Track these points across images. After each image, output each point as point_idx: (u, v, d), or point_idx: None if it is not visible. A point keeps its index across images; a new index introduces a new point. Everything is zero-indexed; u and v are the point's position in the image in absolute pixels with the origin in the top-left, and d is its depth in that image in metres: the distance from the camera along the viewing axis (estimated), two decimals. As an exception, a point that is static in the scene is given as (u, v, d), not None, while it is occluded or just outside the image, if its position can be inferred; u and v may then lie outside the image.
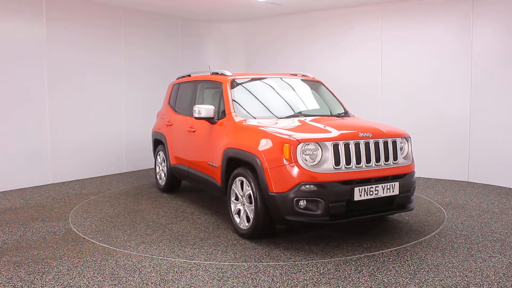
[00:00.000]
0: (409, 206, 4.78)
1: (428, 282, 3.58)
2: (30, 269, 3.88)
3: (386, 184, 4.45)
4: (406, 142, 4.84)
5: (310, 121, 5.08)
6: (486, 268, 3.86)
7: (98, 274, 3.77)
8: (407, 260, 4.05)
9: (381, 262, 4.01)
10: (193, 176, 6.03)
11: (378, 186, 4.40)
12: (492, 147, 7.38)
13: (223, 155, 5.04)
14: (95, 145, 8.38)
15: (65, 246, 4.49)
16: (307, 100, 5.92)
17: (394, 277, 3.68)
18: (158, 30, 9.52)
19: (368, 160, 4.45)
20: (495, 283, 3.54)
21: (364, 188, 4.32)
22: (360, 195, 4.30)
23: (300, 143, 4.25)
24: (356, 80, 8.75)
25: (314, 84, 6.10)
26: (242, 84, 5.70)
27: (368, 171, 4.41)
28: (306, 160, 4.24)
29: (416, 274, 3.74)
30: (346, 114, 5.74)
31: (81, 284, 3.57)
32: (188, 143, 6.14)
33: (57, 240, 4.69)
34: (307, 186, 4.18)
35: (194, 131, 5.91)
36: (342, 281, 3.61)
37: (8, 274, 3.78)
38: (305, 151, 4.25)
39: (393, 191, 4.49)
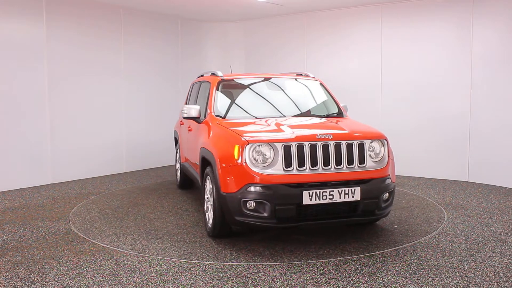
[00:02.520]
0: (379, 213, 4.44)
1: (428, 282, 3.58)
2: (30, 269, 3.88)
3: (344, 189, 4.17)
4: (382, 145, 4.53)
5: (284, 121, 4.94)
6: (486, 268, 3.86)
7: (98, 274, 3.77)
8: (407, 260, 4.05)
9: (381, 262, 4.01)
10: (190, 174, 6.23)
11: (333, 191, 4.14)
12: (492, 147, 7.38)
13: (199, 154, 5.14)
14: (95, 145, 8.38)
15: (65, 246, 4.49)
16: (298, 100, 5.75)
17: (394, 277, 3.68)
18: (158, 30, 9.52)
19: (327, 163, 4.25)
20: (495, 283, 3.54)
21: (316, 192, 4.10)
22: (311, 199, 4.09)
23: (248, 143, 4.19)
24: (356, 79, 8.75)
25: (311, 84, 5.98)
26: (230, 85, 5.77)
27: (322, 174, 4.20)
28: (255, 161, 4.17)
29: (416, 274, 3.74)
30: (339, 114, 5.54)
31: (81, 284, 3.56)
32: (187, 142, 6.26)
33: (57, 240, 4.69)
34: (254, 188, 4.10)
35: (190, 130, 6.01)
36: (342, 281, 3.61)
37: (8, 274, 3.78)
38: (254, 152, 4.18)
39: (352, 197, 4.20)
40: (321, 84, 6.01)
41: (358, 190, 4.22)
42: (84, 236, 4.82)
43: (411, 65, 8.18)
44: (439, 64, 7.90)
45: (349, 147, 4.33)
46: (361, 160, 4.35)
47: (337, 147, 4.29)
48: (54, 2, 7.67)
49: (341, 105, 5.77)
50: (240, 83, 5.88)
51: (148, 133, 9.37)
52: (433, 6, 7.90)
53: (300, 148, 4.20)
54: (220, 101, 5.47)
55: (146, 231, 5.00)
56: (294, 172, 4.15)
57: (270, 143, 4.19)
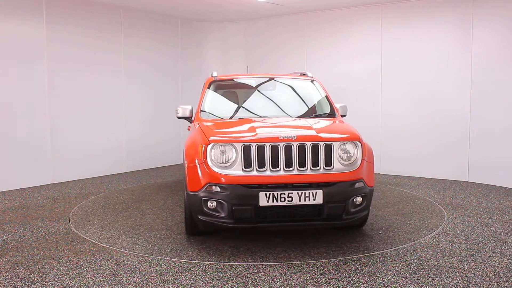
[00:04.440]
0: (347, 218, 4.26)
1: (428, 282, 3.58)
2: (30, 269, 3.88)
3: (304, 192, 4.07)
4: (355, 147, 4.35)
5: (260, 122, 4.93)
6: (486, 268, 3.86)
7: (98, 274, 3.76)
8: (407, 260, 4.05)
9: (381, 262, 4.01)
10: None
11: (292, 193, 4.05)
12: (492, 147, 7.38)
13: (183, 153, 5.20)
14: (95, 145, 8.38)
15: (65, 246, 4.49)
16: (287, 100, 5.72)
17: (394, 277, 3.68)
18: (158, 30, 9.52)
19: (289, 165, 4.18)
20: (495, 283, 3.54)
21: (273, 194, 4.04)
22: (268, 201, 4.03)
23: (210, 143, 4.22)
24: (356, 80, 8.75)
25: (305, 84, 5.90)
26: (222, 86, 5.82)
27: (282, 176, 4.12)
28: (218, 161, 4.18)
29: (416, 274, 3.74)
30: (331, 115, 5.41)
31: (81, 284, 3.56)
32: None
33: (57, 240, 4.69)
34: (213, 187, 4.12)
35: (188, 130, 6.07)
36: (342, 281, 3.61)
37: (8, 274, 3.78)
38: (215, 152, 4.20)
39: (314, 200, 4.08)
40: (316, 83, 5.90)
41: (320, 193, 4.09)
42: (84, 236, 4.82)
43: (411, 65, 8.18)
44: (439, 64, 7.90)
45: (315, 148, 4.22)
46: (328, 162, 4.22)
47: (301, 149, 4.19)
48: (54, 2, 7.68)
49: (339, 105, 5.66)
50: (232, 84, 5.92)
51: (148, 133, 9.37)
52: (433, 7, 7.90)
53: (261, 149, 4.15)
54: (209, 101, 5.55)
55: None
56: (254, 173, 4.12)
57: (230, 143, 4.20)
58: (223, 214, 4.14)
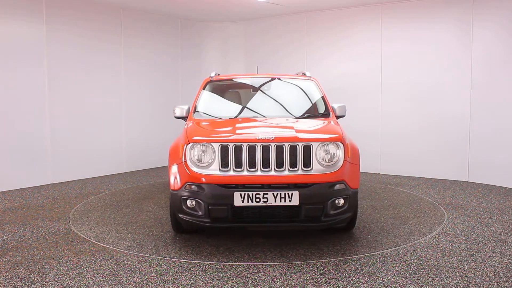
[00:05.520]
0: (327, 220, 4.19)
1: (428, 282, 3.58)
2: (30, 269, 3.88)
3: (280, 193, 4.04)
4: (337, 149, 4.28)
5: (245, 122, 4.94)
6: (486, 268, 3.86)
7: (98, 274, 3.77)
8: (407, 260, 4.05)
9: (381, 262, 4.01)
10: None
11: (267, 194, 4.03)
12: (492, 147, 7.38)
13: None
14: (95, 145, 8.38)
15: (65, 246, 4.49)
16: (281, 100, 5.69)
17: (394, 277, 3.68)
18: (158, 30, 9.52)
19: (266, 165, 4.15)
20: (495, 283, 3.54)
21: (248, 194, 4.03)
22: (242, 201, 4.04)
23: (189, 143, 4.27)
24: (356, 79, 8.75)
25: (302, 83, 5.86)
26: (217, 86, 5.86)
27: (258, 176, 4.12)
28: (196, 161, 4.24)
29: (416, 274, 3.74)
30: (325, 115, 5.34)
31: (81, 284, 3.56)
32: None
33: (57, 240, 4.69)
34: (192, 186, 4.19)
35: None
36: (342, 281, 3.61)
37: (8, 274, 3.78)
38: (194, 152, 4.26)
39: (290, 201, 4.05)
40: (313, 83, 5.84)
41: (296, 194, 4.05)
42: (84, 236, 4.82)
43: (411, 65, 8.18)
44: (439, 65, 7.90)
45: (293, 149, 4.18)
46: (307, 163, 4.18)
47: (279, 149, 4.17)
48: (54, 2, 7.67)
49: (337, 105, 5.53)
50: (227, 84, 5.95)
51: (148, 133, 9.37)
52: (433, 7, 7.90)
53: (238, 149, 4.17)
54: (203, 101, 5.59)
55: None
56: (231, 173, 4.15)
57: (208, 143, 4.24)
58: (200, 213, 4.19)
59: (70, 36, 7.92)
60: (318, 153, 4.23)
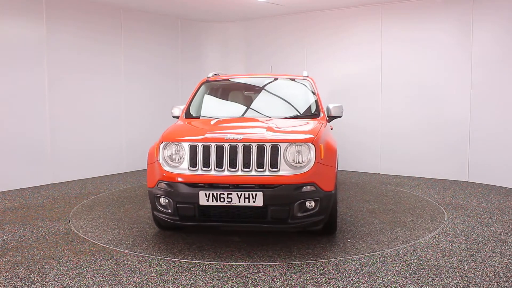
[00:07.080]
0: (294, 222, 4.12)
1: (428, 282, 3.58)
2: (30, 269, 3.88)
3: (243, 193, 4.03)
4: (308, 150, 4.20)
5: (224, 123, 4.96)
6: (486, 268, 3.86)
7: (98, 274, 3.77)
8: (407, 260, 4.05)
9: (381, 262, 4.01)
10: None
11: (231, 194, 4.04)
12: (492, 147, 7.38)
13: None
14: (95, 145, 8.38)
15: (65, 246, 4.49)
16: (272, 100, 5.70)
17: (394, 277, 3.68)
18: (158, 30, 9.52)
19: (234, 165, 4.17)
20: (495, 283, 3.54)
21: (212, 193, 4.07)
22: (207, 200, 4.09)
23: (162, 142, 4.39)
24: (356, 80, 8.75)
25: (296, 84, 5.84)
26: (212, 86, 5.93)
27: (224, 176, 4.14)
28: (168, 160, 4.35)
29: (416, 274, 3.74)
30: (315, 115, 5.28)
31: (81, 284, 3.56)
32: None
33: (57, 240, 4.69)
34: (162, 185, 4.30)
35: None
36: (342, 281, 3.61)
37: (8, 274, 3.78)
38: (167, 151, 4.37)
39: (254, 202, 4.03)
40: (307, 83, 5.80)
41: (260, 195, 4.02)
42: (84, 236, 4.82)
43: (411, 65, 8.18)
44: (439, 65, 7.90)
45: (261, 150, 4.16)
46: (275, 164, 4.14)
47: (247, 150, 4.17)
48: (54, 3, 7.67)
49: (333, 105, 5.49)
50: (222, 85, 5.99)
51: (148, 133, 9.35)
52: (433, 7, 7.90)
53: (206, 149, 4.23)
54: (195, 101, 5.66)
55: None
56: (199, 172, 4.22)
57: (179, 143, 4.34)
58: (170, 211, 4.30)
59: (70, 37, 7.92)
60: (287, 154, 4.18)
